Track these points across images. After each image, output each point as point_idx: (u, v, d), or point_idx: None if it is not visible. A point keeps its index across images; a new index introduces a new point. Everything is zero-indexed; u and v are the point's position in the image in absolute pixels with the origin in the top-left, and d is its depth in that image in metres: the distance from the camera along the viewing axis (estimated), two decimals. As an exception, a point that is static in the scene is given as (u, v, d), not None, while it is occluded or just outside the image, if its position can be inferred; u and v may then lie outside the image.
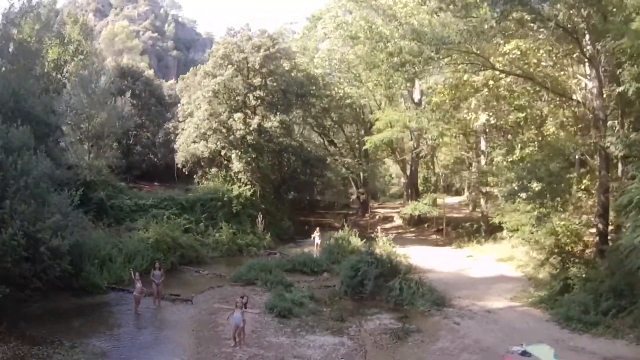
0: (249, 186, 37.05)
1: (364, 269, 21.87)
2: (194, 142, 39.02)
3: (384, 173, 71.03)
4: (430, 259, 30.92)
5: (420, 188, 63.02)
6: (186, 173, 42.13)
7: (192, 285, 24.17)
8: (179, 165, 41.75)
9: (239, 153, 37.00)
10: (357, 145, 54.58)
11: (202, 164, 40.33)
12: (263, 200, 38.78)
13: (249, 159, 36.97)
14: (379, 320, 19.42)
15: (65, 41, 41.42)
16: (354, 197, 62.09)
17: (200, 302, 21.42)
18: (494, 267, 29.01)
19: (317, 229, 34.32)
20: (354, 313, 20.37)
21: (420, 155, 48.00)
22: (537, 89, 28.09)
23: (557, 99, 28.31)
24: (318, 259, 28.74)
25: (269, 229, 36.58)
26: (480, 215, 39.38)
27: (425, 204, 38.58)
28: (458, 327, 18.66)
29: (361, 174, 55.10)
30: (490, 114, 33.43)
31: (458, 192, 63.82)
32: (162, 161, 53.27)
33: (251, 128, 37.29)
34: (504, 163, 32.52)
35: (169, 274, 23.83)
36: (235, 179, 37.57)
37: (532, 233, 24.91)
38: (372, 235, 32.12)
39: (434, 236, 43.39)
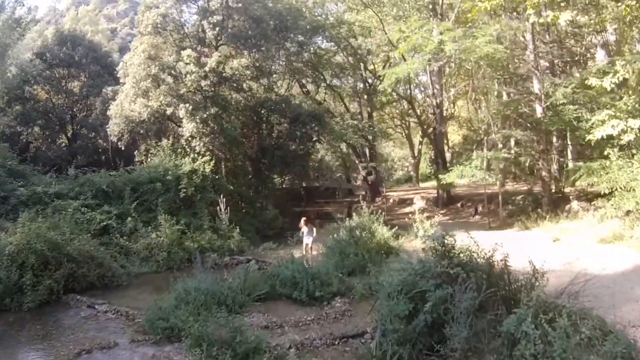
0: (207, 158, 23.97)
1: (433, 294, 8.87)
2: (132, 102, 26.17)
3: (386, 157, 60.25)
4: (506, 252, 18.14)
5: (428, 170, 55.54)
6: (122, 148, 29.02)
7: (48, 349, 11.16)
8: (113, 140, 28.56)
9: (189, 108, 23.96)
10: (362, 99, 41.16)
11: (143, 132, 27.11)
12: (233, 180, 25.82)
13: (205, 115, 23.91)
14: None
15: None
16: (358, 182, 50.96)
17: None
18: (610, 253, 17.39)
19: (303, 219, 20.69)
20: None
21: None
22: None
23: None
24: (317, 269, 14.83)
25: (244, 222, 23.83)
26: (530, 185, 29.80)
27: (477, 167, 25.26)
28: None
29: (367, 151, 42.53)
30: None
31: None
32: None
33: (207, 69, 24.29)
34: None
35: (38, 310, 13.95)
36: (187, 150, 24.58)
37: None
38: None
39: (475, 217, 32.15)
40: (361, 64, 37.20)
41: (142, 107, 25.66)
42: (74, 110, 39.82)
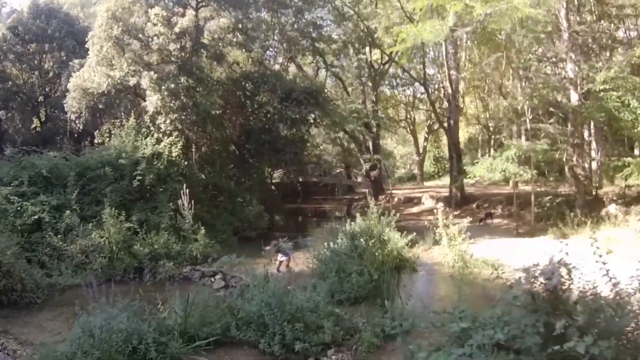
0: (173, 138, 19.18)
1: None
2: (94, 72, 21.49)
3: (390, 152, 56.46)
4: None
5: (432, 169, 53.74)
6: (79, 129, 24.24)
7: None
8: (71, 118, 23.75)
9: (154, 76, 19.16)
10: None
11: (103, 107, 22.26)
12: (208, 169, 21.08)
13: (173, 86, 19.11)
14: None
15: None
16: (359, 179, 48.39)
17: None
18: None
19: (275, 243, 15.61)
20: None
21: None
22: None
23: None
24: (300, 302, 9.00)
25: (220, 221, 19.17)
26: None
27: (508, 159, 20.20)
28: None
29: (370, 144, 38.07)
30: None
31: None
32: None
33: (177, 30, 19.48)
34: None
35: None
36: (152, 129, 19.77)
37: None
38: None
39: (497, 220, 26.98)
40: (368, 40, 32.09)
41: (102, 77, 20.95)
42: (47, 89, 35.93)
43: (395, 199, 37.21)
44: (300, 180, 43.83)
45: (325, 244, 13.14)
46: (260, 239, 20.31)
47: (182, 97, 19.35)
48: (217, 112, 20.35)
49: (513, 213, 27.39)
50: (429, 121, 47.73)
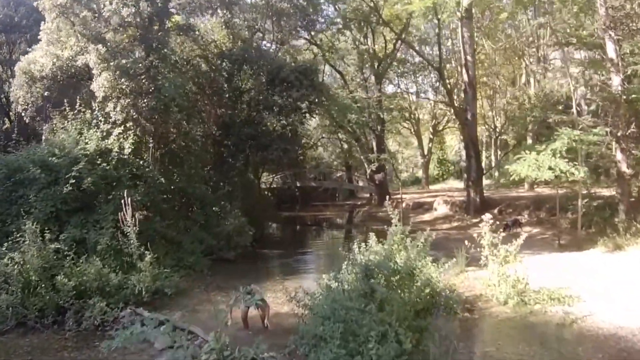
0: (122, 129, 14.71)
1: None
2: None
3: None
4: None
5: (436, 172, 51.22)
6: (26, 122, 19.93)
7: None
8: (19, 110, 19.40)
9: (102, 51, 14.78)
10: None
11: (48, 95, 17.77)
12: (174, 171, 16.63)
13: (124, 62, 14.66)
14: None
15: None
16: (361, 183, 45.14)
17: None
18: None
19: (237, 296, 9.97)
20: None
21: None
22: None
23: None
24: None
25: (188, 238, 14.80)
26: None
27: (555, 153, 15.70)
28: None
29: (374, 143, 34.01)
30: None
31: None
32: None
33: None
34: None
35: None
36: (102, 120, 15.27)
37: None
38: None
39: (526, 229, 21.90)
40: (373, 17, 27.62)
41: (48, 58, 16.68)
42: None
43: (403, 205, 32.93)
44: (298, 185, 40.07)
45: (324, 279, 8.71)
46: (242, 260, 16.06)
47: (139, 78, 14.93)
48: (186, 98, 15.85)
49: (543, 220, 23.35)
50: (434, 120, 44.92)
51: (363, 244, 9.65)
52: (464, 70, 26.99)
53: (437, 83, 35.04)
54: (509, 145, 40.51)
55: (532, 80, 31.48)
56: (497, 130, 38.44)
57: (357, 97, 26.41)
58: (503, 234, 11.51)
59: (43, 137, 19.25)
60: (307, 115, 21.35)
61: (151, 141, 14.84)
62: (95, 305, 10.23)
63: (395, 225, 9.85)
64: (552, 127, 32.09)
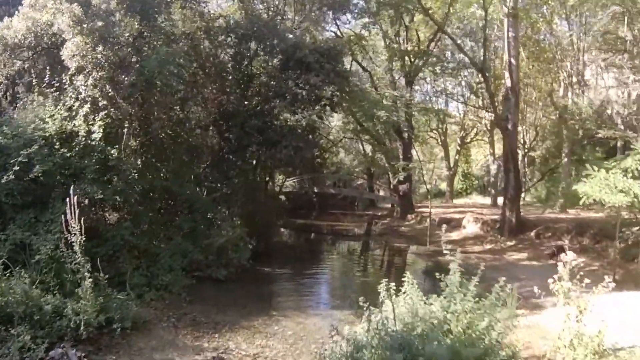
0: (87, 106, 11.77)
1: None
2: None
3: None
4: None
5: (460, 186, 49.83)
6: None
7: None
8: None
9: (76, 11, 11.88)
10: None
11: (21, 68, 14.93)
12: (157, 165, 13.66)
13: (100, 24, 11.71)
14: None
15: None
16: (382, 192, 43.58)
17: None
18: None
19: None
20: None
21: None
22: None
23: None
24: None
25: (166, 251, 11.80)
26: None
27: (627, 172, 12.55)
28: None
29: (400, 150, 31.37)
30: None
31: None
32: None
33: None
34: None
35: None
36: (72, 97, 12.29)
37: None
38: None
39: (569, 255, 17.89)
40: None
41: (22, 22, 13.90)
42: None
43: (427, 220, 29.74)
44: (316, 190, 37.38)
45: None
46: (235, 280, 12.99)
47: (120, 47, 11.98)
48: (178, 76, 12.82)
49: (587, 247, 19.93)
50: (462, 132, 43.07)
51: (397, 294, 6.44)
52: (506, 74, 23.92)
53: (476, 86, 31.80)
54: (535, 163, 38.82)
55: (570, 93, 28.74)
56: (527, 145, 36.38)
57: (387, 94, 23.09)
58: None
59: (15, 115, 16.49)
60: (329, 108, 18.05)
61: (126, 125, 11.80)
62: (18, 338, 7.27)
63: (453, 263, 6.55)
64: (593, 144, 30.05)
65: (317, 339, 8.85)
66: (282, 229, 30.05)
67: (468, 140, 44.34)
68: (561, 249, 18.56)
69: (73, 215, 8.47)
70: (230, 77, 16.67)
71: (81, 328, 7.77)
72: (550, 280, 8.19)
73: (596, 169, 13.49)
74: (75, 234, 8.41)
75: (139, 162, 12.61)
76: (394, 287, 6.59)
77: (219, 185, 15.54)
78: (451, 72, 30.49)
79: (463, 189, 50.41)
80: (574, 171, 29.44)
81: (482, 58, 25.14)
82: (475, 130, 42.63)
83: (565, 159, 29.43)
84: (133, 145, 12.58)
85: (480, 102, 34.61)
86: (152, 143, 13.21)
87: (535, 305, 11.10)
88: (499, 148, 41.15)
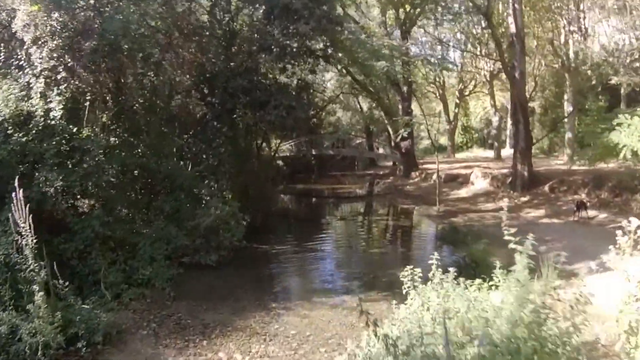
0: (42, 80, 10.07)
1: None
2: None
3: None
4: None
5: (460, 139, 49.16)
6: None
7: None
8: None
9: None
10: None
11: None
12: (130, 140, 12.09)
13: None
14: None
15: None
16: (382, 150, 43.23)
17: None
18: None
19: None
20: None
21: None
22: None
23: None
24: None
25: (148, 238, 10.39)
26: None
27: None
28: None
29: (399, 105, 30.65)
30: None
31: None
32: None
33: None
34: None
35: None
36: (28, 73, 10.57)
37: None
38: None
39: (591, 213, 17.27)
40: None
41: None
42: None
43: (433, 177, 28.32)
44: (314, 153, 36.01)
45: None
46: (229, 264, 11.59)
47: (78, 12, 10.24)
48: (147, 38, 11.08)
49: (607, 201, 18.59)
50: (460, 85, 41.88)
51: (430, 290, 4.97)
52: (510, 20, 22.26)
53: (481, 33, 29.92)
54: (534, 114, 37.01)
55: (570, 41, 27.07)
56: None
57: (385, 44, 21.23)
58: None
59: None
60: (322, 62, 16.19)
61: (88, 98, 10.15)
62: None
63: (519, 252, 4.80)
64: (596, 93, 28.65)
65: (327, 338, 7.51)
66: (282, 196, 28.96)
67: (467, 92, 43.06)
68: (582, 204, 17.27)
69: (21, 212, 6.97)
70: (209, 34, 14.79)
71: (39, 352, 6.37)
72: (605, 256, 6.75)
73: (628, 117, 11.96)
74: (24, 235, 6.93)
75: (111, 140, 11.01)
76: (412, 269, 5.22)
77: (204, 156, 13.96)
78: (453, 18, 28.46)
79: (464, 142, 50.26)
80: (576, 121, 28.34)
81: (485, 3, 23.35)
82: (474, 82, 41.27)
83: (571, 108, 27.89)
84: (103, 120, 10.97)
85: (481, 52, 32.71)
86: (125, 116, 11.59)
87: (570, 273, 9.73)
88: (498, 100, 40.37)
